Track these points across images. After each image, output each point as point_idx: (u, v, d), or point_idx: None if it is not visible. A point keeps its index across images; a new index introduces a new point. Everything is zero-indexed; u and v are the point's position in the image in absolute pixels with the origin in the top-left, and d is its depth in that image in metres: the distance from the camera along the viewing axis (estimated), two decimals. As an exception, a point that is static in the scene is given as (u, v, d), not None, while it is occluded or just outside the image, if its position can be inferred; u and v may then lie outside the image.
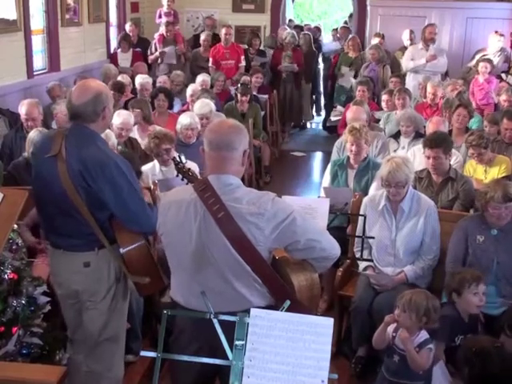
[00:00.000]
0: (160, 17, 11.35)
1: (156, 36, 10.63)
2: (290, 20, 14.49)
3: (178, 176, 3.70)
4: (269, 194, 2.93)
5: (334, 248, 2.99)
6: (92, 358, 3.68)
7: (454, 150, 5.84)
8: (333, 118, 9.38)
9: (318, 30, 13.72)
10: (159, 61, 10.42)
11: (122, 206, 3.39)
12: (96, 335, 3.62)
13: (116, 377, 3.77)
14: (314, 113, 13.13)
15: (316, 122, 12.93)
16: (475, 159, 5.82)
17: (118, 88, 7.88)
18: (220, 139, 2.89)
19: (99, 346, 3.65)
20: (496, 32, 10.11)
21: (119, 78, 8.51)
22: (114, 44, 11.00)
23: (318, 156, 10.83)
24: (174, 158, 4.54)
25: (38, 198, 3.56)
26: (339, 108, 9.23)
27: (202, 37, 10.82)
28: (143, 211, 3.45)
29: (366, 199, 4.94)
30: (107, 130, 5.57)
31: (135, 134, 6.84)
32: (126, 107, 7.32)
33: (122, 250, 3.45)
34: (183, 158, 4.53)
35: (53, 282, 3.82)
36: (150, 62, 10.48)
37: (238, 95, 8.48)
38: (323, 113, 12.64)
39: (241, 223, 2.79)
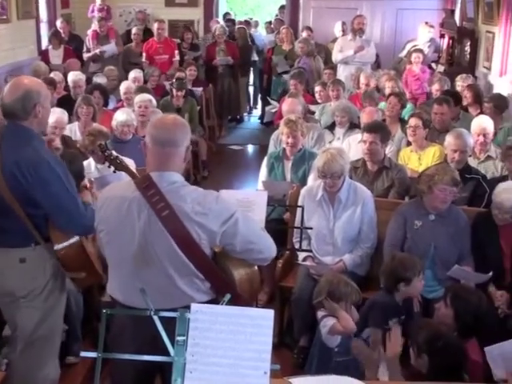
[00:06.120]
0: (93, 11, 11.14)
1: (89, 32, 10.42)
2: (227, 13, 14.46)
3: (104, 163, 3.64)
4: (212, 192, 2.92)
5: (270, 250, 3.03)
6: (24, 356, 3.60)
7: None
8: (272, 110, 9.33)
9: (247, 23, 13.71)
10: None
11: (54, 205, 3.36)
12: (29, 333, 3.55)
13: (48, 377, 3.68)
14: (252, 105, 13.18)
15: (253, 116, 12.97)
16: (411, 138, 5.92)
17: (49, 82, 7.67)
18: (165, 135, 2.86)
19: (32, 344, 3.58)
20: (426, 23, 10.32)
21: (51, 75, 8.33)
22: (44, 41, 10.75)
23: (256, 149, 10.84)
24: (101, 144, 4.43)
25: None
26: (274, 103, 9.21)
27: (134, 31, 10.67)
28: (76, 211, 3.41)
29: (303, 190, 5.00)
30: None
31: (76, 131, 6.66)
32: (58, 105, 7.16)
33: (56, 248, 3.43)
34: (109, 144, 4.45)
35: None
36: (85, 59, 10.28)
37: (174, 90, 8.41)
38: (259, 106, 12.67)
39: (185, 222, 2.78)
